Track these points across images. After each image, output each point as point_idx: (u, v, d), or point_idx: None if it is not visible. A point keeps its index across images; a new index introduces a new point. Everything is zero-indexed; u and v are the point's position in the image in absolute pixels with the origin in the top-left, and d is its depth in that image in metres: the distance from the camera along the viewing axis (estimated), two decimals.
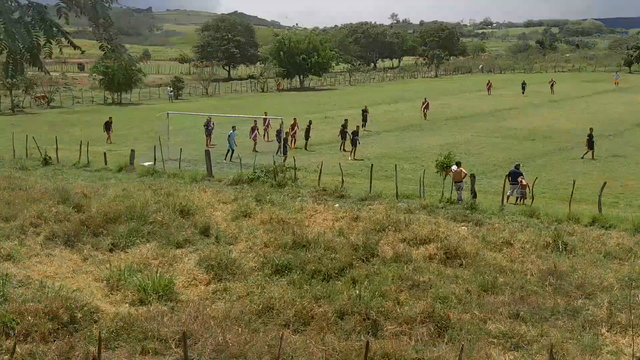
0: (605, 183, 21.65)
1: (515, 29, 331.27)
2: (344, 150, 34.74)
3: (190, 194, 22.30)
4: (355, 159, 32.41)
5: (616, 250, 16.41)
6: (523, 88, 69.27)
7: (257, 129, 36.07)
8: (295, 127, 37.06)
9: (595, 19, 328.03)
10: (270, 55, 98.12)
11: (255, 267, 15.27)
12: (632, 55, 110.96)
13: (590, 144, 32.13)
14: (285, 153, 31.76)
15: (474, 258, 15.60)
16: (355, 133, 34.08)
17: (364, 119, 43.67)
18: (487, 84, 73.78)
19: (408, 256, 15.70)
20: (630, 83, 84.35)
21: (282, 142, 32.62)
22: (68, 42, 9.69)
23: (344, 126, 35.87)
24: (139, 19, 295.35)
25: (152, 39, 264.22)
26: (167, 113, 36.03)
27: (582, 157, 31.97)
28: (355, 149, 33.26)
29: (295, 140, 36.60)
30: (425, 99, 51.02)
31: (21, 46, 8.91)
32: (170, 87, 76.38)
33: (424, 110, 49.09)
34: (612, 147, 34.83)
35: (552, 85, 71.67)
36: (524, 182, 23.11)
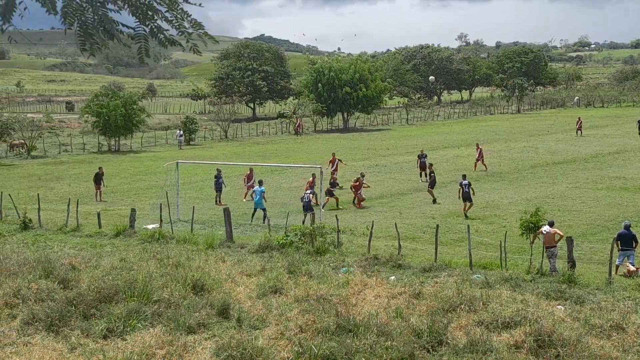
0: None
1: (621, 51, 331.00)
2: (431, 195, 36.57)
3: (205, 264, 22.43)
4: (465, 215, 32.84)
5: None
6: None
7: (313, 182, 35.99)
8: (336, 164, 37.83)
9: None
10: (306, 88, 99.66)
11: (288, 358, 15.19)
12: None
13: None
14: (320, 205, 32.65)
15: (575, 347, 15.28)
16: (467, 183, 34.29)
17: (423, 167, 43.99)
18: (578, 122, 73.12)
19: (487, 344, 15.45)
20: None
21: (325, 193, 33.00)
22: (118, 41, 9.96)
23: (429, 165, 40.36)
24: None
25: (159, 71, 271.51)
26: (177, 162, 36.68)
27: None
28: (468, 204, 33.66)
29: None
30: (477, 145, 50.25)
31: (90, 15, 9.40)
32: (180, 130, 78.03)
33: (478, 162, 48.35)
34: None
35: None
36: (631, 268, 22.54)
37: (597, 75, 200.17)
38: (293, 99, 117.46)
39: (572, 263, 22.20)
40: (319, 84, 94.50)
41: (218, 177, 38.34)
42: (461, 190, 34.04)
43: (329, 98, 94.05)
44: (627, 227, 23.56)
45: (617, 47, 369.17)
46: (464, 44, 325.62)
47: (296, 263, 22.72)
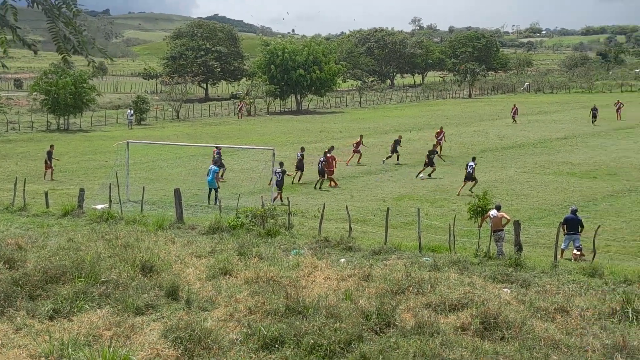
0: None
1: (571, 38, 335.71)
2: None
3: (154, 245, 22.29)
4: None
5: None
6: (594, 115, 68.12)
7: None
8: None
9: None
10: (259, 69, 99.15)
11: (237, 339, 15.18)
12: None
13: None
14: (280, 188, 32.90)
15: (520, 329, 15.51)
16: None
17: (394, 150, 45.22)
18: (513, 109, 73.04)
19: (434, 326, 15.61)
20: None
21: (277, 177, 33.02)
22: (17, 39, 9.90)
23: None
24: (92, 24, 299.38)
25: (110, 49, 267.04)
26: (127, 142, 36.28)
27: None
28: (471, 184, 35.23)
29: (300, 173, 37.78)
30: (440, 128, 51.06)
31: None
32: (131, 109, 77.04)
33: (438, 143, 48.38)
34: None
35: (618, 108, 72.05)
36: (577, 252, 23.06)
37: (547, 61, 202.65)
38: (246, 80, 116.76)
39: (518, 247, 22.52)
40: (272, 66, 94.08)
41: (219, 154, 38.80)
42: (466, 169, 35.44)
43: (282, 80, 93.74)
44: (574, 212, 23.94)
45: (567, 34, 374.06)
46: (418, 28, 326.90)
47: (247, 245, 22.70)
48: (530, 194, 34.53)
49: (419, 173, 39.20)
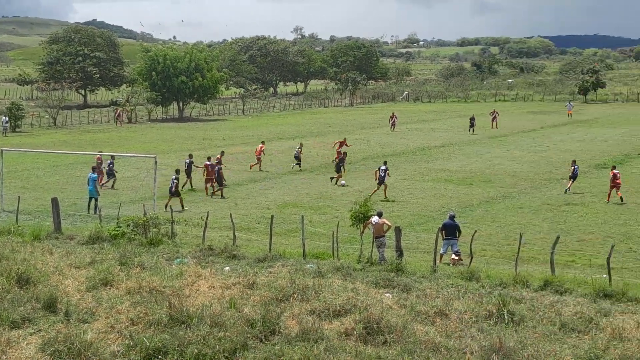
0: (558, 237, 22.52)
1: (447, 49, 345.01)
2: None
3: (30, 256, 21.53)
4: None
5: (574, 321, 17.00)
6: (472, 124, 69.71)
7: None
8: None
9: (543, 37, 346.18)
10: (140, 76, 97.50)
11: (118, 351, 14.85)
12: (587, 81, 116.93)
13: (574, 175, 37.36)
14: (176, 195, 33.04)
15: (401, 333, 15.77)
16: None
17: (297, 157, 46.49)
18: (392, 118, 74.25)
19: (318, 332, 15.69)
20: (586, 114, 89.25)
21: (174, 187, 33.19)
22: None
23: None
24: None
25: None
26: (2, 150, 34.95)
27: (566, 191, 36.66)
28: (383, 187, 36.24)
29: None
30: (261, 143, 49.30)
31: None
32: (5, 116, 74.21)
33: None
34: (567, 194, 36.45)
35: (494, 117, 74.46)
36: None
37: (425, 71, 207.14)
38: (126, 87, 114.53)
39: (399, 252, 22.91)
40: (154, 72, 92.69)
41: (108, 164, 38.71)
42: (378, 173, 36.26)
43: (164, 87, 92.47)
44: (452, 218, 24.60)
45: (444, 45, 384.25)
46: (300, 36, 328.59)
47: (128, 254, 22.23)
48: (410, 200, 35.27)
49: (336, 180, 39.96)
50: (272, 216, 25.74)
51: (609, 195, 34.70)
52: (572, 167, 37.57)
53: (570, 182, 37.14)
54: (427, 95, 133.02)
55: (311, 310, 17.24)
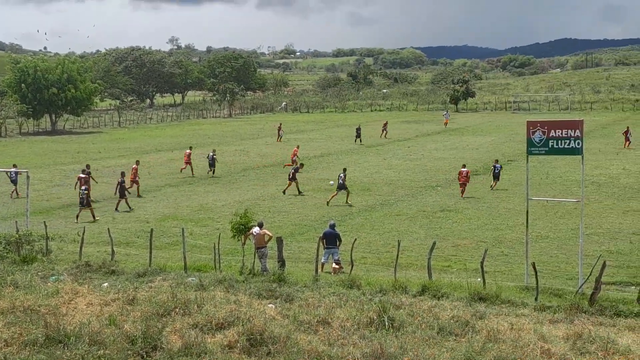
0: (434, 243, 23.13)
1: (323, 59, 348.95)
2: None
3: None
4: None
5: (451, 325, 17.44)
6: (358, 134, 70.00)
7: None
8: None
9: (415, 48, 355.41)
10: (9, 88, 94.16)
11: None
12: (458, 91, 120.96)
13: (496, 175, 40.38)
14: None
15: (285, 343, 15.79)
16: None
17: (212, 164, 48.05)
18: (279, 129, 74.71)
19: (201, 346, 15.52)
20: (458, 123, 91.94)
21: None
22: None
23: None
24: None
25: None
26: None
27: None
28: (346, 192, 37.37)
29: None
30: (189, 148, 50.56)
31: None
32: None
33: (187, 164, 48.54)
34: (441, 200, 37.49)
35: (384, 128, 75.68)
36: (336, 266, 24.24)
37: (302, 81, 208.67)
38: None
39: (282, 262, 22.98)
40: (23, 84, 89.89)
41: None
42: (339, 180, 37.65)
43: (35, 99, 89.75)
44: (332, 226, 24.83)
45: (320, 56, 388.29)
46: (176, 47, 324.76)
47: (0, 273, 21.37)
48: (291, 210, 35.43)
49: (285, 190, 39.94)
50: (152, 230, 25.35)
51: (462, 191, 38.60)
52: (493, 167, 41.05)
53: (495, 181, 40.69)
54: (305, 105, 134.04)
55: (194, 324, 17.03)
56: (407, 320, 17.63)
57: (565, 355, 15.03)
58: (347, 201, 36.92)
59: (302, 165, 43.59)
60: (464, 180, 38.45)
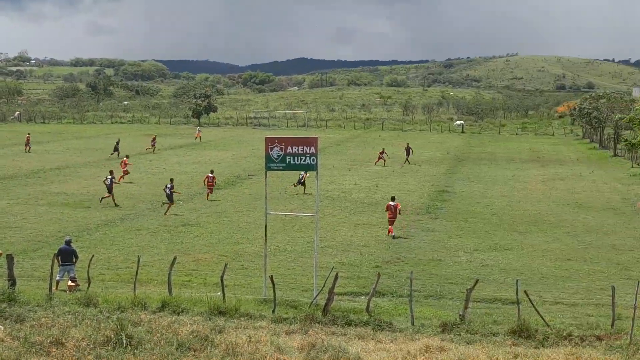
0: (175, 258, 23.02)
1: (61, 68, 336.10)
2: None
3: None
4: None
5: (190, 340, 17.43)
6: (116, 149, 66.90)
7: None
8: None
9: (157, 61, 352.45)
10: None
11: None
12: (200, 105, 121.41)
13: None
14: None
15: None
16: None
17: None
18: (26, 139, 70.63)
19: None
20: (201, 137, 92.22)
21: None
22: None
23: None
24: None
25: None
26: None
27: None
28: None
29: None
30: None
31: None
32: None
33: None
34: (183, 215, 37.40)
35: (153, 142, 73.94)
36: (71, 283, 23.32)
37: (38, 90, 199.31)
38: None
39: (12, 281, 21.73)
40: None
41: None
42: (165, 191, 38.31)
43: None
44: (68, 243, 23.99)
45: (57, 64, 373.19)
46: None
47: None
48: (24, 225, 33.69)
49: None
50: None
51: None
52: (380, 154, 47.80)
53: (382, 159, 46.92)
54: (41, 116, 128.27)
55: None
56: (145, 338, 17.40)
57: None
58: (166, 212, 37.66)
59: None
60: (391, 216, 33.12)
